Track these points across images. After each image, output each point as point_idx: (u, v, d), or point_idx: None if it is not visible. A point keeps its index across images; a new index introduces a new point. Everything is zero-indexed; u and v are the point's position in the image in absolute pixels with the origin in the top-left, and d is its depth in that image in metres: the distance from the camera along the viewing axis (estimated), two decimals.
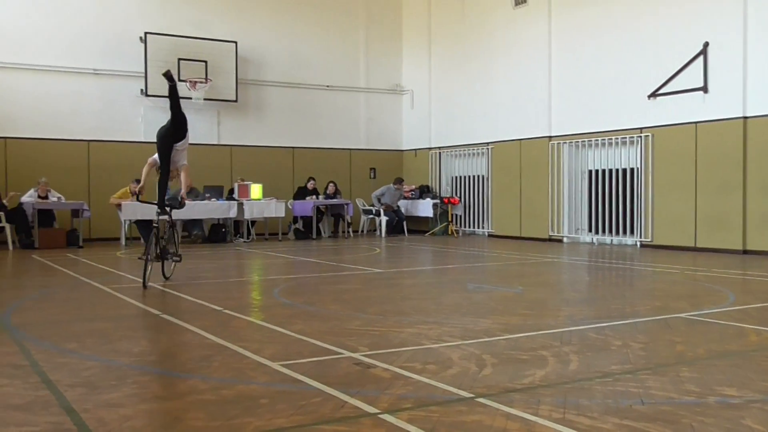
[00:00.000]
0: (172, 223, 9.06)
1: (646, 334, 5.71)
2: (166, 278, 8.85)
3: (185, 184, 8.66)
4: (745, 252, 12.66)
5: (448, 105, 19.29)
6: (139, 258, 8.48)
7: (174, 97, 8.28)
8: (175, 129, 8.27)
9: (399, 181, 19.13)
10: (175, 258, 8.77)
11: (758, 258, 12.04)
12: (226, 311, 6.82)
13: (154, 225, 8.47)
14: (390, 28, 20.60)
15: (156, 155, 8.47)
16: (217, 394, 4.01)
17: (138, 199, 9.11)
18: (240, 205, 16.20)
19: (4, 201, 14.68)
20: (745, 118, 12.67)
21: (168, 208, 8.61)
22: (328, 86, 19.59)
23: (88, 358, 4.88)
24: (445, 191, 19.47)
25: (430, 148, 19.88)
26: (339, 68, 19.81)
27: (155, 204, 8.56)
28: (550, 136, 16.33)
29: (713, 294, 8.12)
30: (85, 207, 15.13)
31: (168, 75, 8.18)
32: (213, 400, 3.91)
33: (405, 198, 19.40)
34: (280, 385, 4.19)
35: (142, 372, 4.55)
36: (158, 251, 8.48)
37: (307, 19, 19.32)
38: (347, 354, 4.95)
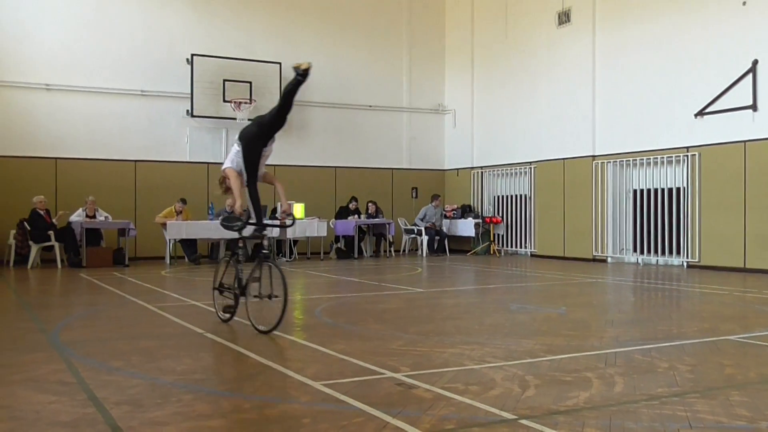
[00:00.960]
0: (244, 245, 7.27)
1: (694, 357, 5.59)
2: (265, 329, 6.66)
3: (284, 195, 7.23)
4: None
5: (490, 124, 19.25)
6: (226, 291, 7.26)
7: (293, 94, 7.00)
8: (271, 129, 7.11)
9: (435, 197, 19.10)
10: (275, 296, 6.65)
11: None
12: None
13: (241, 247, 7.13)
14: (433, 48, 20.69)
15: (231, 164, 7.01)
16: (260, 413, 4.04)
17: (248, 222, 6.97)
18: None
19: (54, 220, 15.04)
20: None
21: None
22: (371, 106, 19.73)
23: (134, 376, 4.96)
24: (487, 210, 19.39)
25: (472, 168, 19.84)
26: (382, 88, 19.95)
27: (256, 224, 6.97)
28: (594, 156, 16.17)
29: (764, 316, 7.92)
30: (132, 226, 15.41)
31: (305, 70, 6.77)
32: (256, 419, 3.94)
33: (446, 217, 19.36)
34: (323, 405, 4.20)
35: (186, 390, 4.60)
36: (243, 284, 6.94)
37: (350, 40, 19.53)
38: (389, 374, 4.94)
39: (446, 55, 20.79)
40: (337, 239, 17.78)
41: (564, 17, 16.92)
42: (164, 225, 15.50)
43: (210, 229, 15.29)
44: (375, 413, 3.97)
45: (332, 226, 17.58)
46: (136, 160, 17.15)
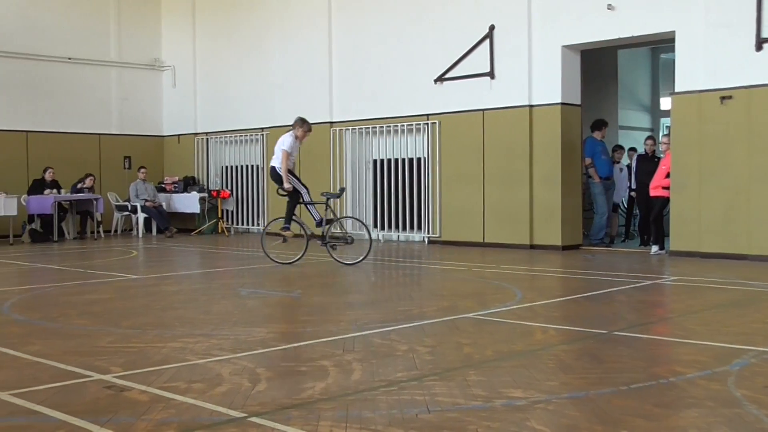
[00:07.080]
0: None
1: (433, 337, 6.03)
2: None
3: None
4: (532, 247, 13.68)
5: (216, 85, 19.02)
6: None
7: None
8: None
9: (141, 169, 18.34)
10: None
11: (544, 253, 13.11)
12: None
13: None
14: None
15: None
16: None
17: None
18: None
19: None
20: (531, 106, 13.70)
21: None
22: (70, 59, 18.53)
23: None
24: (215, 183, 19.21)
25: (196, 134, 19.51)
26: (84, 38, 18.81)
27: None
28: (332, 122, 16.66)
29: (500, 291, 8.74)
30: None
31: None
32: None
33: (166, 191, 18.91)
34: (11, 420, 3.93)
35: None
36: None
37: None
38: (97, 376, 4.75)
39: (162, 2, 20.13)
40: (31, 219, 16.61)
41: None
42: None
43: None
44: (79, 423, 3.81)
45: (24, 204, 16.39)
46: None
